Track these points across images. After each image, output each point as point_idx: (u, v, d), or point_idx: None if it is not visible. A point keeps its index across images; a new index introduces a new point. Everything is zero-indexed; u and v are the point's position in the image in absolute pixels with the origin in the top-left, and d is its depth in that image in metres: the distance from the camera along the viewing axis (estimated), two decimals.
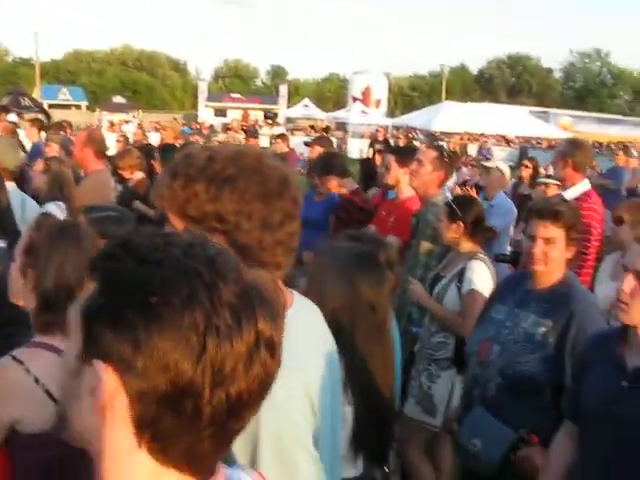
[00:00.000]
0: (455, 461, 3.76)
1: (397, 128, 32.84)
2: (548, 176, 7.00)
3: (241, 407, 0.90)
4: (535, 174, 8.16)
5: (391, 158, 4.96)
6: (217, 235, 1.32)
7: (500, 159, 18.93)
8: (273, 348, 0.91)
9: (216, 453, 0.93)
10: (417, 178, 4.44)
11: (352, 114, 34.91)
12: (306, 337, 1.44)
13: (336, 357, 1.62)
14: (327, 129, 33.48)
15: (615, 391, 2.20)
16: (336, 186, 5.52)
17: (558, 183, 5.87)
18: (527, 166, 8.24)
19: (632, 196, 9.91)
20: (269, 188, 1.36)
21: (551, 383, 2.69)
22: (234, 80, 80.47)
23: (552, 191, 6.38)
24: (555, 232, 2.87)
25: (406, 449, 3.80)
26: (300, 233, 1.44)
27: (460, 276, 3.68)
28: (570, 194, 4.67)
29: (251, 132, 18.38)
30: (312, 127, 35.27)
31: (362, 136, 29.23)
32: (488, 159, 13.72)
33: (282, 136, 11.26)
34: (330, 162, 5.64)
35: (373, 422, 2.24)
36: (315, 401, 1.37)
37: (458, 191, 7.03)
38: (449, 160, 4.58)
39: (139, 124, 27.41)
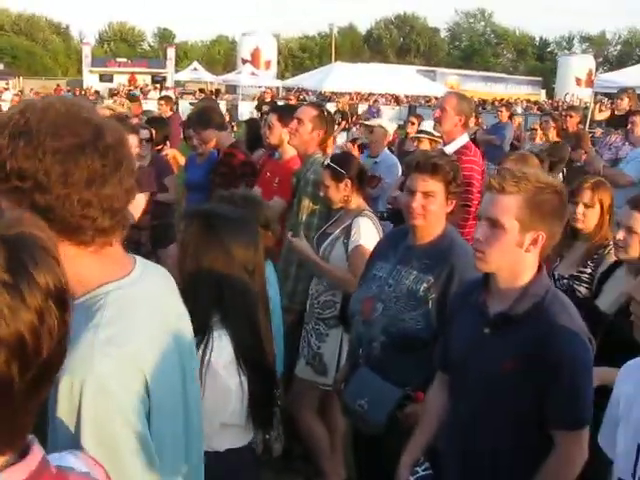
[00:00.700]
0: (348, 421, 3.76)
1: (288, 90, 32.59)
2: (421, 131, 7.04)
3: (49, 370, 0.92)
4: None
5: (273, 117, 4.83)
6: (20, 195, 1.21)
7: (389, 118, 19.16)
8: (62, 301, 0.91)
9: (24, 426, 0.92)
10: (297, 137, 4.33)
11: (242, 76, 34.38)
12: (143, 309, 1.33)
13: (186, 329, 1.51)
14: (217, 92, 32.88)
15: (477, 338, 2.20)
16: (214, 140, 5.35)
17: (432, 137, 5.92)
18: (413, 122, 8.29)
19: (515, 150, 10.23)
20: (70, 143, 1.23)
21: (434, 338, 2.69)
22: (119, 44, 77.51)
23: (425, 146, 6.42)
24: (434, 186, 2.84)
25: (299, 411, 3.75)
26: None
27: (347, 233, 3.62)
28: (450, 148, 4.69)
29: (131, 96, 17.72)
30: (202, 91, 34.48)
31: (253, 99, 28.86)
32: (375, 118, 13.83)
33: (165, 98, 10.91)
34: (207, 115, 5.48)
35: (263, 390, 2.19)
36: (150, 377, 1.27)
37: (350, 147, 6.99)
38: (330, 118, 4.50)
39: (19, 91, 26.03)
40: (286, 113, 4.76)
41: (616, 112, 8.63)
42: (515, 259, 2.13)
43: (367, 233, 3.59)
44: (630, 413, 1.64)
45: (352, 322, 3.12)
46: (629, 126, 7.09)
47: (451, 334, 2.36)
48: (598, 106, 13.00)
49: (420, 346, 2.75)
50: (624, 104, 8.35)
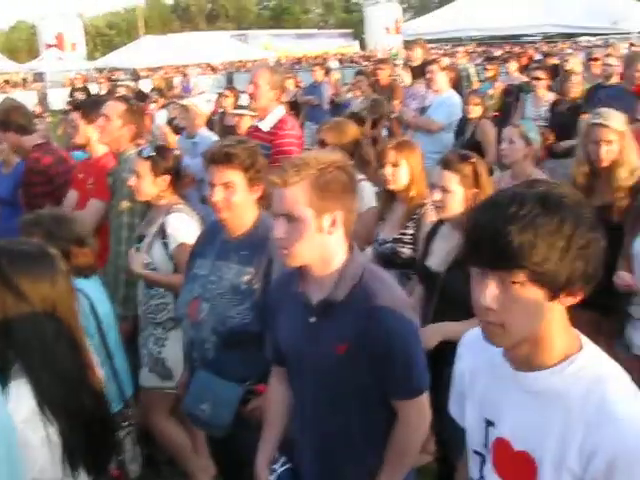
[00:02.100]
0: None
1: (100, 71, 31.25)
2: (240, 106, 6.95)
3: None
4: (237, 101, 8.08)
5: (76, 115, 4.56)
6: None
7: (208, 87, 18.85)
8: None
9: None
10: (106, 134, 4.12)
11: (48, 62, 32.52)
12: None
13: None
14: (24, 82, 30.94)
15: (305, 328, 2.19)
16: (15, 144, 4.87)
17: (252, 114, 5.84)
18: (227, 95, 8.15)
19: (335, 109, 10.35)
20: None
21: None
22: None
23: (246, 123, 6.33)
24: (232, 175, 2.76)
25: (151, 420, 3.63)
26: None
27: (163, 232, 3.47)
28: (266, 124, 4.64)
29: None
30: (7, 82, 32.30)
31: (63, 85, 27.36)
32: (189, 91, 13.55)
33: None
34: (6, 116, 4.91)
35: (87, 434, 2.00)
36: None
37: (167, 130, 6.74)
38: (138, 110, 4.31)
39: None
40: (90, 109, 4.50)
41: (409, 63, 8.92)
42: (321, 245, 2.11)
43: (184, 229, 3.45)
44: (473, 388, 1.68)
45: (182, 326, 3.02)
46: (427, 75, 7.34)
47: (278, 327, 2.33)
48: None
49: (252, 340, 2.69)
50: (418, 55, 8.66)
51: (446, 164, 3.13)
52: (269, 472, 2.35)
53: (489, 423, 1.60)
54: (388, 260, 3.69)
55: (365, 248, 3.83)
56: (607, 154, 3.73)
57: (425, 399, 2.19)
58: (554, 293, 1.40)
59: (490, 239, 1.38)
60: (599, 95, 6.71)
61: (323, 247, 2.12)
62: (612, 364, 1.50)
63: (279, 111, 4.75)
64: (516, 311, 1.41)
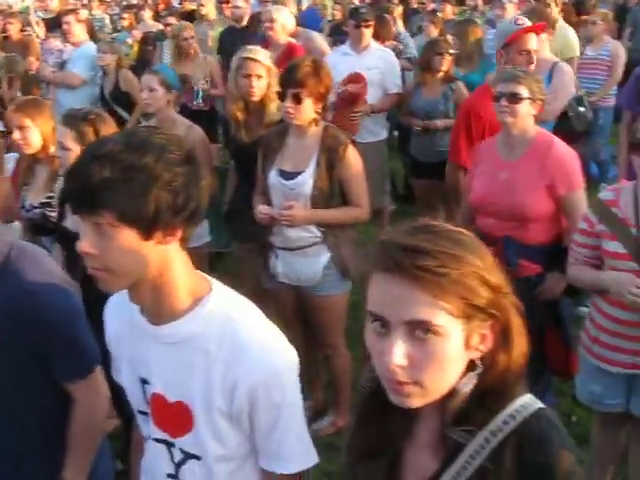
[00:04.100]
0: None
1: None
2: None
3: None
4: None
5: None
6: None
7: None
8: None
9: None
10: None
11: None
12: None
13: None
14: None
15: None
16: None
17: None
18: None
19: None
20: None
21: None
22: None
23: None
24: None
25: None
26: None
27: None
28: None
29: None
30: None
31: None
32: None
33: None
34: None
35: None
36: None
37: None
38: None
39: None
40: None
41: (42, 16, 8.48)
42: None
43: None
44: (122, 350, 1.66)
45: None
46: (64, 27, 7.05)
47: None
48: None
49: None
50: (54, 5, 8.26)
51: (65, 121, 3.13)
52: None
53: (144, 381, 1.60)
54: (39, 226, 3.56)
55: (13, 220, 3.62)
56: (258, 89, 3.94)
57: (97, 375, 2.09)
58: (146, 231, 1.37)
59: (74, 182, 1.36)
60: (231, 38, 6.94)
61: None
62: (241, 299, 1.59)
63: None
64: (116, 254, 1.38)
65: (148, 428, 1.66)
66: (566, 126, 4.67)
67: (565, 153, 3.37)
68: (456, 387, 1.18)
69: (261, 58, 3.96)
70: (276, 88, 3.71)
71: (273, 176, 3.55)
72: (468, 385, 1.19)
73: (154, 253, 1.42)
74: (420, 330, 1.11)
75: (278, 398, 1.50)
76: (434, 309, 1.10)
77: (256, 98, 3.97)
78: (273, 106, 3.96)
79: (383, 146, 5.85)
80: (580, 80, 6.98)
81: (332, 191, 3.45)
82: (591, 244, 2.85)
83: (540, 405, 1.24)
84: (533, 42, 4.08)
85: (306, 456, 1.61)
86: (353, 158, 3.47)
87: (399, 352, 1.11)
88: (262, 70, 3.93)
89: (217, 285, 1.57)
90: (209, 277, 1.58)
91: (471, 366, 1.19)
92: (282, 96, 3.42)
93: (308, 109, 3.37)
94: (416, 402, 1.17)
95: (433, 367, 1.13)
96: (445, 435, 1.22)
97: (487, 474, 1.18)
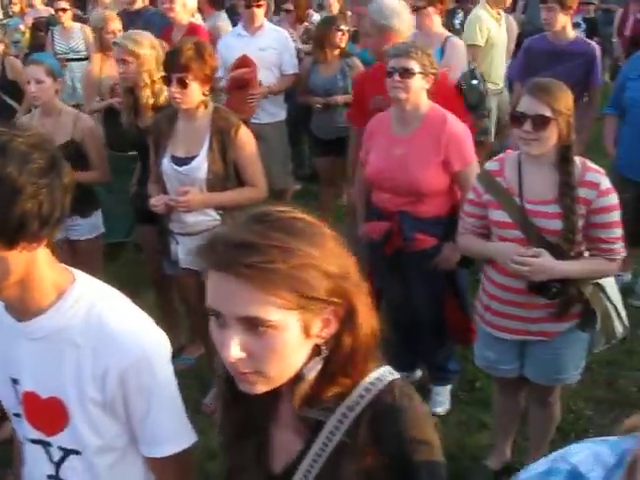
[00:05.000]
0: None
1: None
2: None
3: None
4: None
5: None
6: None
7: None
8: None
9: None
10: None
11: None
12: None
13: None
14: None
15: None
16: None
17: None
18: None
19: None
20: None
21: None
22: None
23: None
24: None
25: None
26: None
27: None
28: None
29: None
30: None
31: None
32: None
33: None
34: None
35: None
36: None
37: None
38: None
39: None
40: None
41: None
42: None
43: None
44: None
45: None
46: None
47: None
48: None
49: None
50: None
51: None
52: None
53: (15, 381, 1.57)
54: None
55: None
56: (126, 74, 3.90)
57: None
58: (10, 242, 1.33)
59: None
60: (125, 22, 6.76)
61: None
62: (105, 287, 1.57)
63: None
64: None
65: (23, 430, 1.62)
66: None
67: (459, 129, 3.43)
68: (301, 372, 1.20)
69: (126, 43, 3.91)
70: (154, 72, 3.69)
71: (166, 163, 3.48)
72: (313, 370, 1.20)
73: (18, 259, 1.37)
74: (254, 325, 1.11)
75: (149, 381, 1.50)
76: (265, 305, 1.10)
77: (126, 83, 3.92)
78: (147, 91, 3.89)
79: (283, 126, 5.83)
80: None
81: (227, 173, 3.42)
82: (479, 214, 2.92)
83: (395, 376, 1.27)
84: None
85: (183, 436, 1.61)
86: (246, 138, 3.44)
87: (235, 346, 1.12)
88: (127, 55, 3.88)
89: (80, 276, 1.55)
90: (72, 269, 1.56)
91: (317, 350, 1.20)
92: (167, 81, 3.35)
93: (195, 92, 3.31)
94: (261, 388, 1.18)
95: (273, 358, 1.14)
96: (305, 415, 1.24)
97: (346, 449, 1.20)
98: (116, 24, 5.62)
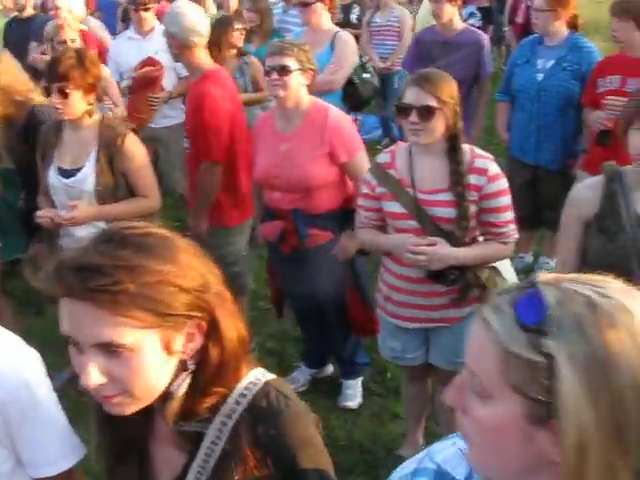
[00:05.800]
0: None
1: None
2: None
3: None
4: None
5: None
6: None
7: None
8: None
9: None
10: None
11: None
12: None
13: None
14: None
15: None
16: None
17: None
18: None
19: None
20: None
21: None
22: None
23: None
24: None
25: None
26: None
27: None
28: None
29: None
30: None
31: None
32: None
33: None
34: None
35: None
36: None
37: None
38: None
39: None
40: None
41: None
42: None
43: None
44: None
45: None
46: None
47: None
48: None
49: None
50: None
51: None
52: None
53: None
54: None
55: None
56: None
57: None
58: None
59: None
60: (17, 30, 6.55)
61: None
62: None
63: None
64: None
65: None
66: (353, 93, 4.80)
67: (341, 120, 3.44)
68: (169, 390, 1.17)
69: None
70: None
71: (52, 175, 3.36)
72: (181, 386, 1.18)
73: None
74: (110, 349, 1.08)
75: (29, 406, 1.48)
76: (118, 328, 1.07)
77: None
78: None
79: (181, 130, 5.72)
80: (373, 47, 7.22)
81: (117, 184, 3.31)
82: (374, 207, 2.93)
83: (269, 378, 1.26)
84: None
85: (70, 452, 1.59)
86: (134, 147, 3.33)
87: (95, 372, 1.09)
88: None
89: None
90: None
91: (184, 365, 1.18)
92: (48, 91, 3.23)
93: (77, 102, 3.20)
94: (131, 409, 1.15)
95: (135, 378, 1.11)
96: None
97: (230, 457, 1.19)
98: (70, 34, 5.38)
